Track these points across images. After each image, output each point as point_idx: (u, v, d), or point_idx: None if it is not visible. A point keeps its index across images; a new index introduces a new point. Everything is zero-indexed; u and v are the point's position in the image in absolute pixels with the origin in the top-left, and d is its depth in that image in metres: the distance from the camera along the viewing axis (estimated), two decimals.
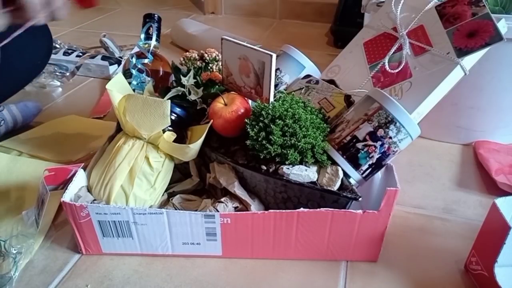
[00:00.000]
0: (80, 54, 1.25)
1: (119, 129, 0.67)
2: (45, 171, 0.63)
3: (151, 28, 0.95)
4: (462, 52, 0.64)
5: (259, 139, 0.57)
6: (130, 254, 0.63)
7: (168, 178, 0.66)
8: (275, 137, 0.56)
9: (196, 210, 0.61)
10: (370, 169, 0.59)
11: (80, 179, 0.63)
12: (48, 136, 0.90)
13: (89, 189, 0.63)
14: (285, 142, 0.56)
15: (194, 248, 0.61)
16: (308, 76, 0.75)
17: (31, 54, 0.92)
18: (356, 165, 0.58)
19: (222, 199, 0.61)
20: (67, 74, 1.22)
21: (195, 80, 0.68)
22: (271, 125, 0.56)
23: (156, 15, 0.96)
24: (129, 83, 0.85)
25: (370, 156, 0.58)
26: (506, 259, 0.53)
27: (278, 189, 0.59)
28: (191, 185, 0.68)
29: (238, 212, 0.59)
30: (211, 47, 0.76)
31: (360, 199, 0.55)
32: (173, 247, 0.62)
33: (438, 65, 0.65)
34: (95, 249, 0.62)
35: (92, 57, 1.24)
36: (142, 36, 0.95)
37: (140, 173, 0.61)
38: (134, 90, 0.84)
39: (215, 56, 0.75)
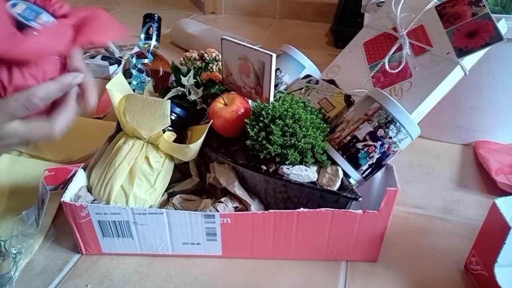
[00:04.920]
0: None
1: (119, 129, 0.67)
2: (45, 171, 0.63)
3: (151, 28, 0.95)
4: (462, 52, 0.64)
5: (259, 139, 0.57)
6: (130, 254, 0.63)
7: (168, 178, 0.66)
8: (275, 137, 0.56)
9: (196, 210, 0.61)
10: (370, 169, 0.59)
11: (80, 179, 0.63)
12: None
13: (89, 189, 0.63)
14: (285, 142, 0.56)
15: (194, 248, 0.61)
16: (308, 76, 0.75)
17: None
18: (356, 165, 0.58)
19: (222, 199, 0.60)
20: None
21: (195, 80, 0.68)
22: (271, 125, 0.56)
23: (156, 15, 0.96)
24: (129, 83, 0.85)
25: (370, 156, 0.58)
26: (506, 259, 0.53)
27: (278, 189, 0.59)
28: (191, 185, 0.68)
29: (238, 212, 0.59)
30: (211, 47, 0.76)
31: (360, 199, 0.55)
32: (173, 247, 0.61)
33: (438, 65, 0.65)
34: (95, 249, 0.62)
35: (92, 57, 1.24)
36: (142, 36, 0.95)
37: (140, 173, 0.61)
38: (134, 90, 0.84)
39: (215, 56, 0.75)
